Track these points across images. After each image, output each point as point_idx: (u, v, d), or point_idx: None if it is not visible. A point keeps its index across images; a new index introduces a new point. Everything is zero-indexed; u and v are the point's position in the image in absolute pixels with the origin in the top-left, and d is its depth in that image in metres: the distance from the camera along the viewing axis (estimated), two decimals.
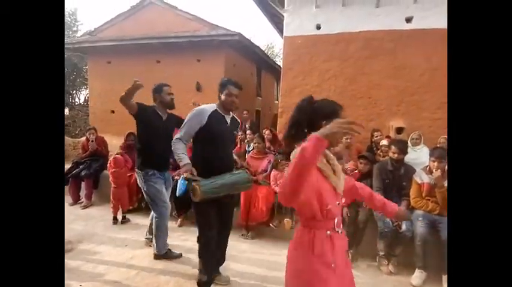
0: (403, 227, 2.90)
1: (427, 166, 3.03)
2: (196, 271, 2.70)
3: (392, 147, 3.17)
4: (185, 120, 2.34)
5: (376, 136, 4.43)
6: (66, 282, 2.63)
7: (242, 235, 3.68)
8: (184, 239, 3.53)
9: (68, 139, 7.74)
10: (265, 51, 12.76)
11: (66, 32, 14.12)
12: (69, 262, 2.98)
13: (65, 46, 9.55)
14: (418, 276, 2.79)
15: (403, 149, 3.14)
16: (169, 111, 3.05)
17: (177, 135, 2.32)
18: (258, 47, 9.82)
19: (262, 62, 11.32)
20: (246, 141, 5.41)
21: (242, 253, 3.25)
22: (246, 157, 4.36)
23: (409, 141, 3.95)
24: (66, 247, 3.31)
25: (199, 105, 2.49)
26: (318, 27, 5.50)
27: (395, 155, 3.12)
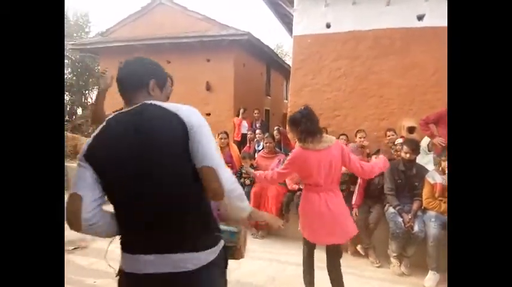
0: (416, 228, 2.87)
1: (439, 166, 2.99)
2: None
3: (404, 147, 3.12)
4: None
5: (389, 135, 4.39)
6: (80, 279, 2.70)
7: (252, 234, 3.70)
8: None
9: (81, 138, 7.89)
10: (275, 51, 12.73)
11: (78, 33, 14.39)
12: (83, 259, 3.05)
13: (78, 47, 9.76)
14: (431, 278, 2.75)
15: (415, 149, 3.09)
16: None
17: None
18: (268, 46, 9.81)
19: (271, 62, 11.31)
20: (255, 140, 5.43)
21: (252, 252, 3.26)
22: (256, 156, 4.37)
23: (426, 146, 3.87)
24: (80, 244, 3.39)
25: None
26: (328, 26, 5.46)
27: (408, 155, 3.07)
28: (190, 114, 1.06)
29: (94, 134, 1.07)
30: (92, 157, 1.03)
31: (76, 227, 1.02)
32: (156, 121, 1.03)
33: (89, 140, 1.08)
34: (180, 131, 1.02)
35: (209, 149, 1.05)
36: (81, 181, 1.03)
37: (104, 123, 1.07)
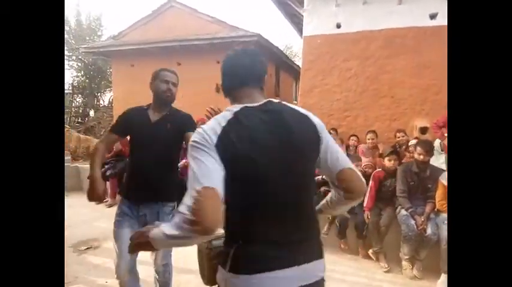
0: (429, 230, 2.81)
1: None
2: None
3: (418, 148, 3.05)
4: None
5: (398, 137, 4.32)
6: (93, 279, 2.74)
7: None
8: None
9: (93, 140, 8.04)
10: (284, 52, 12.71)
11: (91, 37, 14.66)
12: (95, 258, 3.09)
13: (91, 50, 9.93)
14: (444, 281, 2.69)
15: (429, 150, 3.02)
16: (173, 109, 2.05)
17: None
18: (277, 47, 9.79)
19: (281, 63, 11.29)
20: None
21: None
22: None
23: (438, 145, 3.81)
24: (92, 244, 3.44)
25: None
26: (338, 26, 5.42)
27: (421, 157, 3.00)
28: (314, 116, 1.07)
29: (222, 125, 0.94)
30: (223, 147, 0.90)
31: (213, 228, 0.82)
32: (297, 121, 1.00)
33: (211, 127, 0.94)
34: (315, 133, 1.02)
35: (342, 151, 1.07)
36: (213, 173, 0.87)
37: (231, 116, 0.97)
